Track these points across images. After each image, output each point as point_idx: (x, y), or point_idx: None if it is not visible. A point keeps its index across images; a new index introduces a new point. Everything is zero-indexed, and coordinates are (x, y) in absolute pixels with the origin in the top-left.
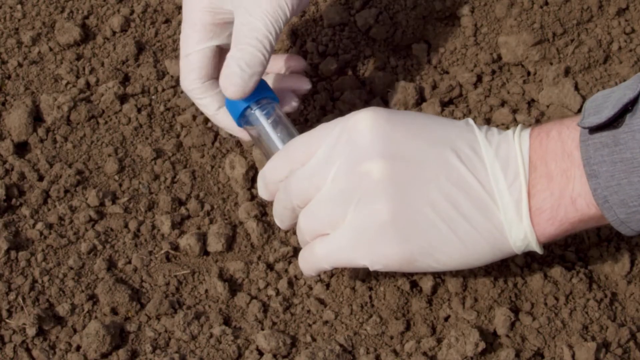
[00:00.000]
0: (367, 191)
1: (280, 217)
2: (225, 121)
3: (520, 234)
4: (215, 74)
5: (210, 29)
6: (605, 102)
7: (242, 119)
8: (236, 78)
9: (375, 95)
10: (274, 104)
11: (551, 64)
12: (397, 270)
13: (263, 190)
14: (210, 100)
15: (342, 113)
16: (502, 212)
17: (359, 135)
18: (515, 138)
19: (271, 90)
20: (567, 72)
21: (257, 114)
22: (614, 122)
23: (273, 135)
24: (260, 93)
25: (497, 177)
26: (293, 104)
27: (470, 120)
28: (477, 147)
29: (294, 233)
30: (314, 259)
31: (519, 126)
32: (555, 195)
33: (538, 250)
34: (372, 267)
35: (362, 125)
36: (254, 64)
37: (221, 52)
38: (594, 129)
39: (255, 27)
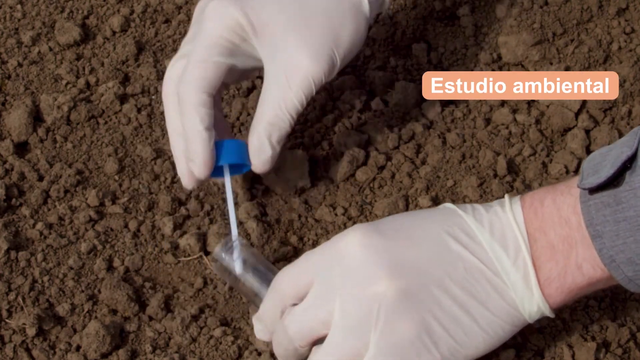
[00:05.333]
0: (385, 312)
1: (285, 358)
2: (203, 146)
3: (533, 307)
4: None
5: (229, 48)
6: (603, 161)
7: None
8: (268, 157)
9: (375, 95)
10: (241, 243)
11: (551, 64)
12: None
13: (262, 333)
14: (207, 117)
15: (341, 113)
16: (512, 289)
17: (355, 260)
18: (506, 211)
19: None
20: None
21: (228, 260)
22: (614, 181)
23: (250, 280)
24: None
25: (499, 256)
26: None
27: (450, 205)
28: (470, 231)
29: (294, 233)
30: None
31: (507, 197)
32: (560, 263)
33: (551, 315)
34: None
35: (354, 248)
36: (282, 142)
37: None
38: (594, 189)
39: (292, 105)
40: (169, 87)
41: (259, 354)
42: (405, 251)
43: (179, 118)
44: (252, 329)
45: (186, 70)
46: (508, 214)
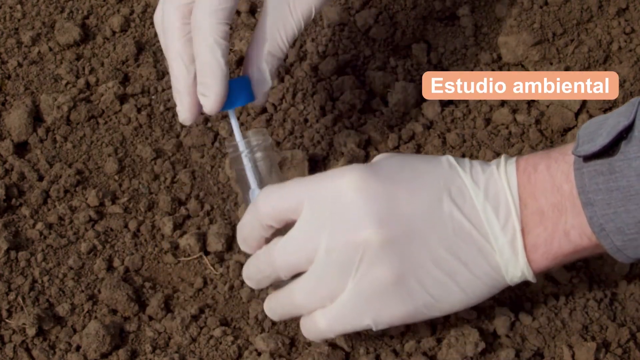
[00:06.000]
0: (367, 258)
1: (257, 283)
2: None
3: (517, 272)
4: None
5: None
6: (599, 130)
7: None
8: (268, 90)
9: (375, 95)
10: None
11: (551, 64)
12: (400, 325)
13: (243, 244)
14: (226, 50)
15: (341, 113)
16: (498, 253)
17: (348, 202)
18: (501, 174)
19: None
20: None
21: (247, 156)
22: (609, 150)
23: (251, 177)
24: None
25: (490, 219)
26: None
27: (451, 159)
28: (465, 191)
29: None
30: (318, 330)
31: (503, 158)
32: (548, 230)
33: (533, 281)
34: (376, 328)
35: (349, 189)
36: (275, 73)
37: None
38: (589, 157)
39: (291, 33)
40: (173, 16)
41: (259, 354)
42: (398, 202)
43: (186, 48)
44: (252, 329)
45: (202, 1)
46: (502, 177)
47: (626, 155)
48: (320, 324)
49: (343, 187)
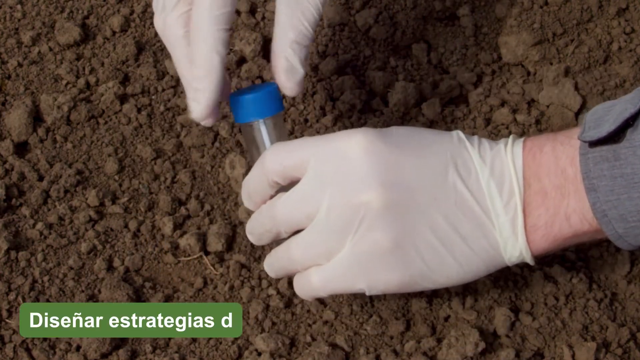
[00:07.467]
0: (367, 221)
1: (258, 238)
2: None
3: (515, 251)
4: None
5: None
6: (605, 116)
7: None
8: (301, 78)
9: (376, 95)
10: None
11: (551, 64)
12: (393, 293)
13: (247, 200)
14: (225, 57)
15: (341, 113)
16: (498, 231)
17: (353, 163)
18: (507, 153)
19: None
20: (567, 72)
21: (264, 125)
22: (615, 136)
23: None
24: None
25: (493, 196)
26: None
27: (461, 134)
28: (471, 166)
29: (293, 233)
30: (311, 287)
31: (511, 138)
32: (550, 211)
33: (531, 263)
34: (370, 293)
35: (355, 151)
36: (306, 61)
37: None
38: (594, 143)
39: (311, 16)
40: (175, 25)
41: (259, 354)
42: (403, 168)
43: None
44: (252, 329)
45: (201, 5)
46: (509, 156)
47: (631, 143)
48: (314, 281)
49: (350, 148)
